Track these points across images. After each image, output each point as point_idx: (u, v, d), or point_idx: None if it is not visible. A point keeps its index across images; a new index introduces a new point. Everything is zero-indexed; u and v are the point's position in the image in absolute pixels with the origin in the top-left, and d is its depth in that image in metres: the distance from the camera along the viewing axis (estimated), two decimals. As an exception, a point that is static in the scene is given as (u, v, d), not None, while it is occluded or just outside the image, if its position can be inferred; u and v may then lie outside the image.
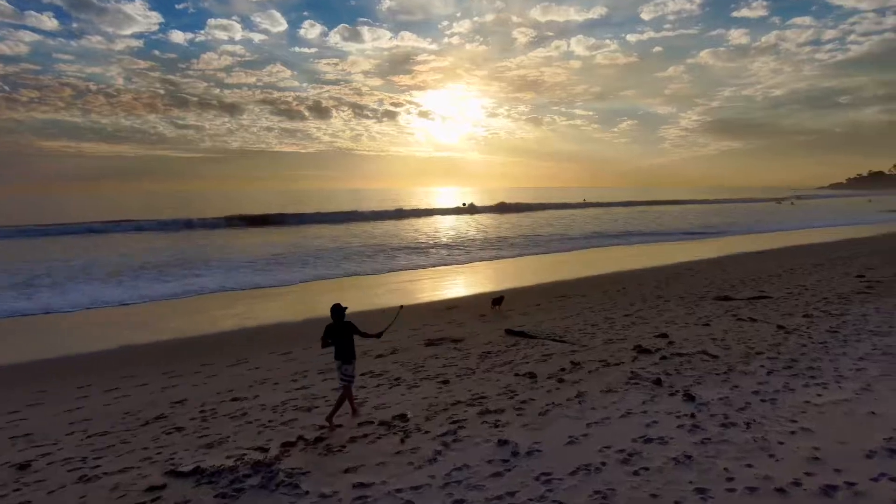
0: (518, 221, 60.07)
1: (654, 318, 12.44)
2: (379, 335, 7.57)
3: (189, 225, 52.90)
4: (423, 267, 26.15)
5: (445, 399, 7.73)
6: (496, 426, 6.64)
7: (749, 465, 5.33)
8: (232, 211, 67.86)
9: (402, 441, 6.37)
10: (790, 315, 12.05)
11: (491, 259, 29.15)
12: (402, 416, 7.15)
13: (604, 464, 5.53)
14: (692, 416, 6.64)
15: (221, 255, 29.90)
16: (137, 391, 9.29)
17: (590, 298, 15.99)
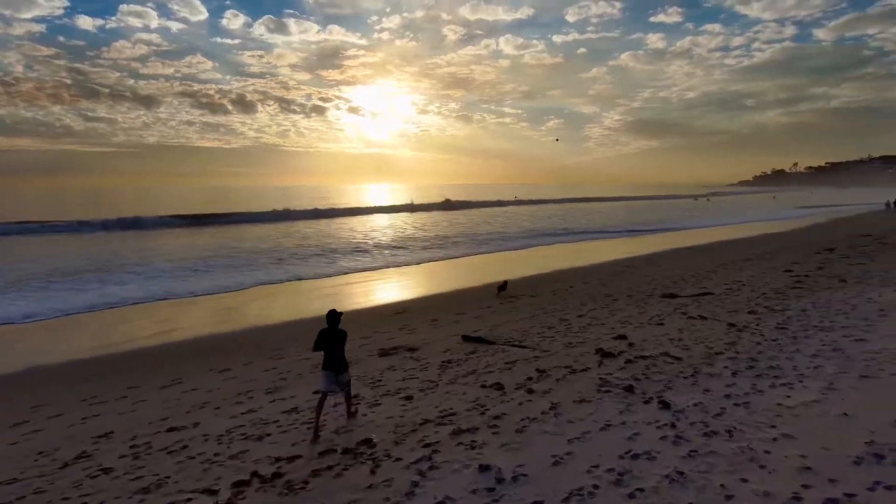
0: (455, 219, 59.97)
1: (608, 319, 12.39)
2: None
3: (105, 226, 48.66)
4: (367, 269, 25.26)
5: (412, 418, 7.15)
6: (473, 448, 6.14)
7: (744, 480, 5.12)
8: (153, 210, 63.66)
9: (373, 472, 5.74)
10: (736, 312, 12.34)
11: (436, 259, 28.67)
12: (367, 441, 6.50)
13: (596, 487, 5.16)
14: (672, 425, 6.43)
15: (144, 259, 27.68)
16: (52, 424, 8.09)
17: (540, 299, 15.85)
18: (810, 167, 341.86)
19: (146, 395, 9.08)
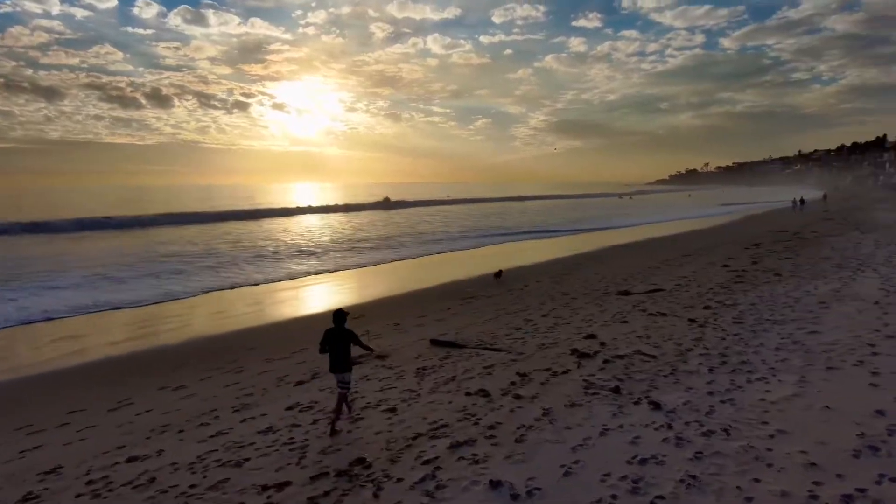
0: (394, 219, 59.29)
1: (573, 318, 12.46)
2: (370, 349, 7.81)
3: (7, 230, 44.26)
4: (316, 272, 24.18)
5: (402, 432, 6.77)
6: (476, 462, 5.86)
7: (757, 480, 5.15)
8: (63, 211, 58.68)
9: (376, 496, 5.34)
10: (691, 307, 12.76)
11: (387, 261, 27.75)
12: (361, 461, 6.07)
13: (615, 497, 5.03)
14: (669, 426, 6.43)
15: (60, 267, 25.26)
16: (-18, 460, 7.05)
17: (497, 298, 15.78)
18: (720, 167, 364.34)
19: (93, 419, 8.13)
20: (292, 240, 37.40)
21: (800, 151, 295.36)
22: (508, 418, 6.95)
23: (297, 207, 75.76)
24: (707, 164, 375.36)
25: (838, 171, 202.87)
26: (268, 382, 9.21)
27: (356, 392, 8.33)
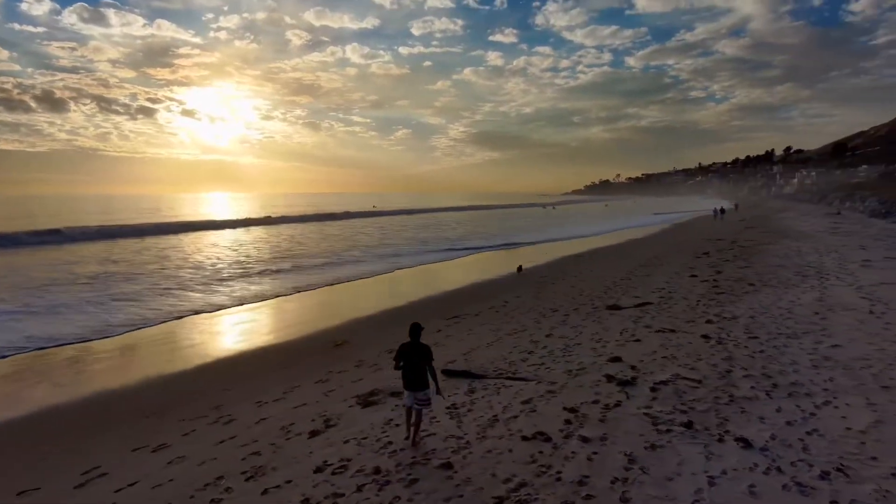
0: (329, 232, 56.93)
1: (580, 337, 11.76)
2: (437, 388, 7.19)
3: None
4: (273, 296, 21.75)
5: (477, 498, 5.64)
6: (593, 534, 4.88)
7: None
8: (-59, 227, 51.35)
9: None
10: (693, 322, 12.45)
11: (343, 280, 25.19)
12: (450, 544, 4.90)
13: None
14: (778, 469, 5.76)
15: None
16: None
17: (485, 316, 14.87)
18: (630, 177, 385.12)
19: (57, 499, 6.31)
20: (228, 257, 34.33)
21: (700, 164, 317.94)
22: (593, 469, 6.00)
23: (218, 221, 70.55)
24: (619, 175, 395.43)
25: (735, 182, 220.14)
26: (272, 434, 7.70)
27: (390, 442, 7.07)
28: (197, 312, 17.71)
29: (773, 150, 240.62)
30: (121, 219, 70.00)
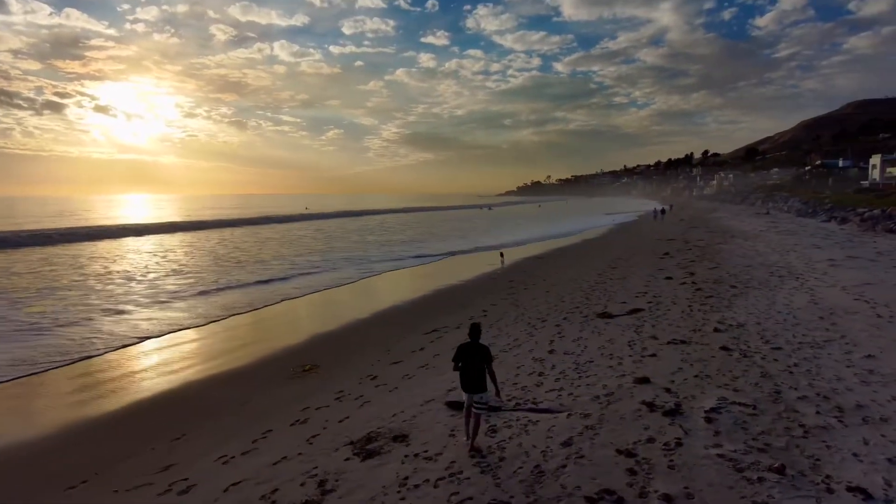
0: (268, 237, 53.51)
1: (589, 352, 10.45)
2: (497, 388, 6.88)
3: None
4: (198, 318, 19.18)
5: None
6: None
7: None
8: None
9: None
10: (699, 331, 11.46)
11: (294, 296, 22.48)
12: None
13: None
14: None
15: None
16: None
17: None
18: (560, 179, 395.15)
19: None
20: (156, 268, 30.62)
21: (625, 166, 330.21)
22: (699, 544, 4.61)
23: (145, 225, 64.58)
24: (549, 177, 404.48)
25: (658, 184, 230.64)
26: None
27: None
28: (125, 345, 15.03)
29: (692, 153, 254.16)
30: (23, 223, 62.98)
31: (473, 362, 6.62)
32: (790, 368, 8.81)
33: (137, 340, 14.46)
